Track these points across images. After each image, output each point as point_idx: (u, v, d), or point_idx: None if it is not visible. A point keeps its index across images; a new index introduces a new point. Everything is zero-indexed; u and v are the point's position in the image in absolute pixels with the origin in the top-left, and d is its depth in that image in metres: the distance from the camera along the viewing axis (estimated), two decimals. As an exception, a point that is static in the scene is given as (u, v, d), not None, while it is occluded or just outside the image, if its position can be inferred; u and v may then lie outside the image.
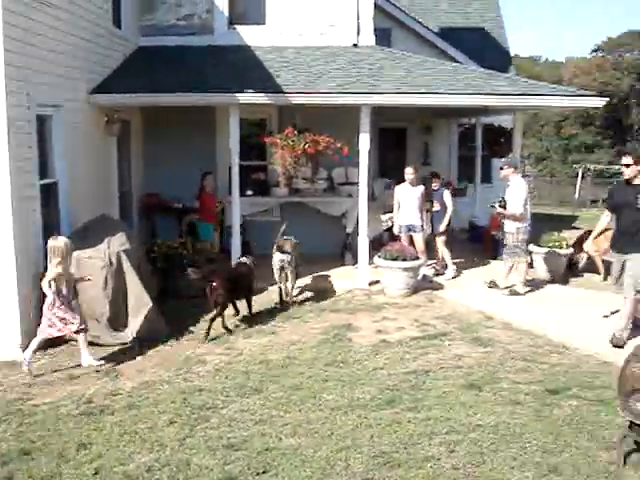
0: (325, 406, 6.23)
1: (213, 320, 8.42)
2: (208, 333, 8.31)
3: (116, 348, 7.92)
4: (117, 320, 8.18)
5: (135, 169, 12.70)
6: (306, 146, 10.10)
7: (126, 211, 12.00)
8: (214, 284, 8.53)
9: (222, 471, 5.04)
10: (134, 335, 7.98)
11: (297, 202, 12.52)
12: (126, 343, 8.01)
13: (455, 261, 11.77)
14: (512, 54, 24.36)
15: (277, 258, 9.88)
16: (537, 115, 54.89)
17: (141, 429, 5.78)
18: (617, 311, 8.37)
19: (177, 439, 5.57)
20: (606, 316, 8.87)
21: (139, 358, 7.65)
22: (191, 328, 8.69)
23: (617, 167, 44.24)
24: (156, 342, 8.09)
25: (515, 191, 10.33)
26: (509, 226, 10.39)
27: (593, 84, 52.01)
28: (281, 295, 9.98)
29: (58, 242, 7.37)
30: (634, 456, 5.04)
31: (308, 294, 10.50)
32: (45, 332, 7.27)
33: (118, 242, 8.54)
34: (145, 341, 8.00)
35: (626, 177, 7.97)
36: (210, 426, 5.82)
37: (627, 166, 7.87)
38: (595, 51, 64.28)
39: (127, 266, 8.38)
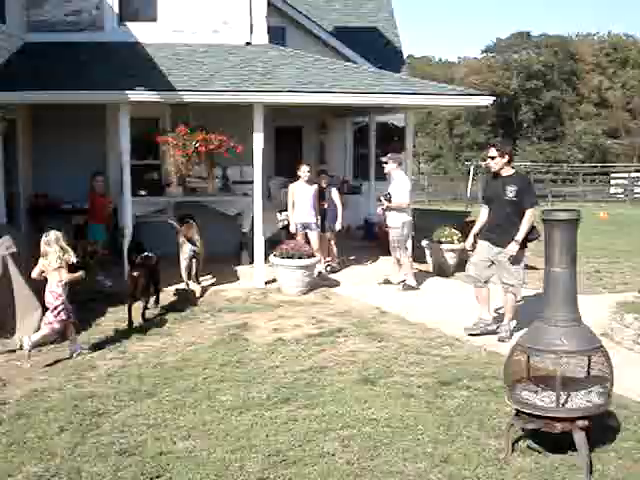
0: (220, 407, 6.16)
1: (130, 307, 8.69)
2: (131, 321, 8.66)
3: (2, 357, 7.60)
4: (3, 327, 7.86)
5: (23, 169, 12.23)
6: (197, 145, 10.00)
7: (13, 213, 11.55)
8: (135, 274, 8.84)
9: (114, 478, 4.90)
10: (29, 343, 7.63)
11: (192, 202, 12.36)
12: (14, 350, 7.69)
13: (351, 258, 11.91)
14: (406, 54, 24.89)
15: (188, 248, 10.08)
16: (431, 114, 56.23)
17: (30, 438, 5.56)
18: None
19: (68, 447, 5.38)
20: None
21: (28, 365, 7.37)
22: (83, 332, 8.44)
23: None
24: (47, 347, 7.81)
25: (399, 184, 10.62)
26: (394, 220, 10.61)
27: (484, 84, 53.77)
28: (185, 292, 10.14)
29: None
30: (521, 443, 5.21)
31: (205, 294, 10.40)
32: None
33: (3, 245, 8.21)
34: (36, 347, 7.71)
35: (493, 170, 8.07)
36: (102, 432, 5.65)
37: (492, 158, 7.96)
38: (485, 51, 66.37)
39: (13, 270, 8.05)
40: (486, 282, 8.24)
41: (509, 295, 8.16)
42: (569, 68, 60.54)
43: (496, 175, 8.07)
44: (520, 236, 7.78)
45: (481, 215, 8.41)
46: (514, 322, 8.24)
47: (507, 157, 7.96)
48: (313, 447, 5.33)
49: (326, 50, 18.80)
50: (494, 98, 11.87)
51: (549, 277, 4.65)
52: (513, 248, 7.79)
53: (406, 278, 10.67)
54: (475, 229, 8.50)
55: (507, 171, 7.97)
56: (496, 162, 7.94)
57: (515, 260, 7.93)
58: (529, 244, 8.14)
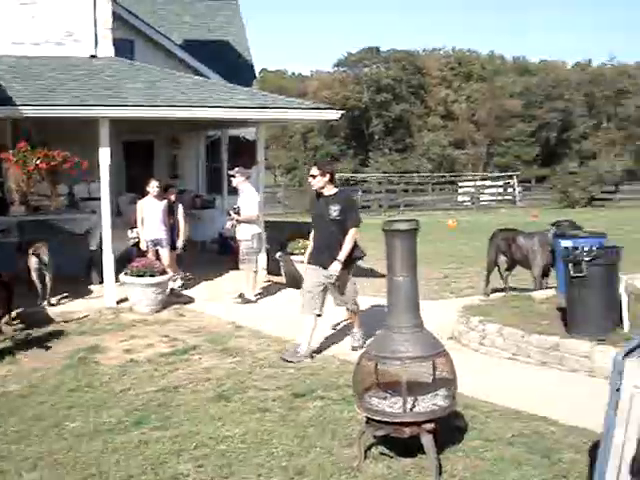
0: (69, 434, 5.90)
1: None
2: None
3: None
4: None
5: None
6: (38, 162, 9.59)
7: None
8: None
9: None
10: None
11: (37, 220, 11.82)
12: None
13: (204, 273, 11.79)
14: (259, 67, 25.07)
15: (33, 261, 9.79)
16: (286, 127, 56.78)
17: None
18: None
19: None
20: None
21: None
22: None
23: (361, 176, 47.48)
24: None
25: (247, 197, 10.65)
26: (244, 233, 10.62)
27: (336, 97, 54.89)
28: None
29: None
30: (374, 450, 5.30)
31: (54, 315, 9.95)
32: None
33: None
34: None
35: (314, 188, 7.82)
36: (-64, 471, 5.27)
37: (313, 177, 7.71)
38: (337, 65, 67.76)
39: None
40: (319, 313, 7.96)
41: (349, 311, 8.29)
42: (417, 82, 62.96)
43: (319, 195, 7.84)
44: (342, 256, 7.61)
45: (311, 237, 8.14)
46: (362, 331, 8.32)
47: (328, 176, 7.73)
48: (166, 469, 5.19)
49: (176, 63, 18.58)
50: (342, 112, 12.11)
51: (391, 286, 4.77)
52: (335, 268, 7.60)
53: (245, 292, 10.67)
54: (306, 253, 8.30)
55: (330, 190, 7.76)
56: (317, 181, 7.68)
57: (342, 281, 7.85)
58: (357, 262, 8.17)
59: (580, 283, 7.53)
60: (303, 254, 11.83)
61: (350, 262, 7.83)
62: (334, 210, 7.63)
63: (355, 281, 8.28)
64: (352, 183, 41.92)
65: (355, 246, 7.81)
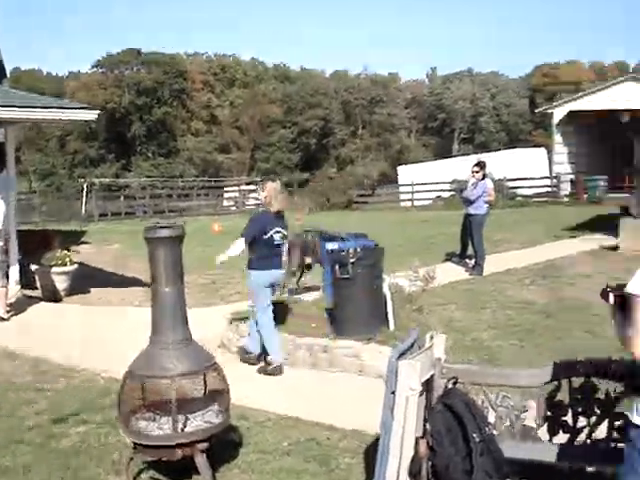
0: None
1: None
2: None
3: None
4: None
5: None
6: None
7: None
8: None
9: None
10: None
11: None
12: None
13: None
14: (12, 66, 23.23)
15: None
16: (41, 130, 53.76)
17: None
18: None
19: None
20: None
21: None
22: None
23: (123, 181, 45.90)
24: None
25: None
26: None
27: (95, 100, 52.68)
28: None
29: None
30: (144, 475, 4.90)
31: None
32: None
33: None
34: None
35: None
36: None
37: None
38: (96, 67, 65.20)
39: None
40: None
41: None
42: (179, 86, 62.27)
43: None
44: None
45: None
46: None
47: None
48: None
49: None
50: (98, 112, 11.41)
51: (157, 297, 4.37)
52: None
53: None
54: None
55: None
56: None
57: None
58: None
59: (346, 284, 7.62)
60: (63, 264, 11.09)
61: None
62: None
63: None
64: (114, 189, 40.34)
65: None
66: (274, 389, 6.83)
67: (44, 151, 59.05)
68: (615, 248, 13.97)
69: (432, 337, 3.97)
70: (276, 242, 7.28)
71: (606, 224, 17.03)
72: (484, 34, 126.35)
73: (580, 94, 35.00)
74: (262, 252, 7.24)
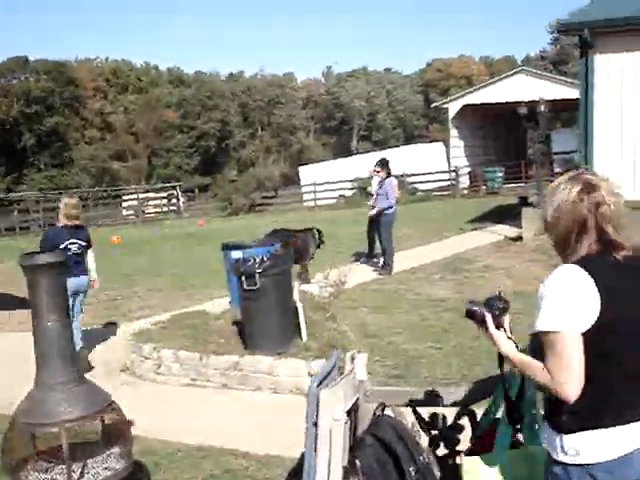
0: None
1: None
2: None
3: None
4: None
5: None
6: None
7: None
8: None
9: None
10: None
11: None
12: None
13: None
14: None
15: None
16: None
17: None
18: None
19: None
20: None
21: None
22: None
23: (17, 194, 43.87)
24: None
25: None
26: None
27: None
28: None
29: None
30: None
31: None
32: None
33: None
34: None
35: None
36: None
37: None
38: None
39: None
40: None
41: None
42: (70, 93, 60.13)
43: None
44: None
45: None
46: None
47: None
48: None
49: None
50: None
51: (39, 333, 3.80)
52: None
53: None
54: None
55: None
56: None
57: None
58: None
59: (254, 296, 7.18)
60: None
61: None
62: None
63: None
64: (6, 204, 38.46)
65: None
66: (182, 415, 6.32)
67: None
68: (519, 239, 14.07)
69: (353, 358, 3.60)
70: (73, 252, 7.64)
71: (507, 214, 17.23)
72: (378, 33, 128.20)
73: (473, 88, 35.72)
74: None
